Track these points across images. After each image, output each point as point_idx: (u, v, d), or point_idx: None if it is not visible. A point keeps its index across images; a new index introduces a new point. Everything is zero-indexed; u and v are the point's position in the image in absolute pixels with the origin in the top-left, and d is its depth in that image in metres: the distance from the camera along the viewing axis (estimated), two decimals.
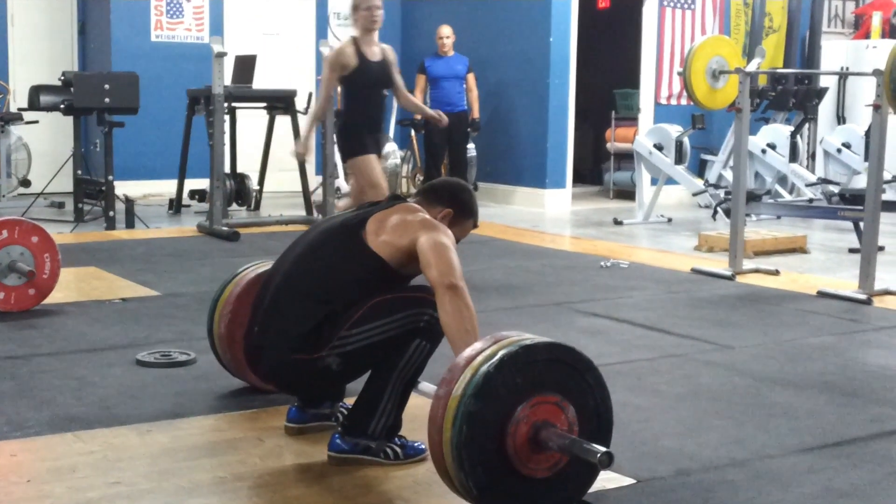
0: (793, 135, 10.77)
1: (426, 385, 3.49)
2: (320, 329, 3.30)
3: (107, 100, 8.94)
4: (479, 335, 3.07)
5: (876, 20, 13.19)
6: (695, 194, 10.59)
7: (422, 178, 11.12)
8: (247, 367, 4.02)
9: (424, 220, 3.37)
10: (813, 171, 11.37)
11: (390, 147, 10.95)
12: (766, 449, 3.65)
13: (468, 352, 2.91)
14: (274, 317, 3.40)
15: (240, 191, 10.26)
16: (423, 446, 3.29)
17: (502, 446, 2.82)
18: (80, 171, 9.64)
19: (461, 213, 3.56)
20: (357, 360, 3.32)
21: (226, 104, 9.21)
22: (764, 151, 10.70)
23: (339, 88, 6.91)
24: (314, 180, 11.06)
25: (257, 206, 10.46)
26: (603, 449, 2.79)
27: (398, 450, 3.39)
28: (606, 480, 3.22)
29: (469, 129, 10.87)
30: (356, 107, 6.68)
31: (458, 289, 3.19)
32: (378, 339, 3.29)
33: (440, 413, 2.83)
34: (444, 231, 3.35)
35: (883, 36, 13.08)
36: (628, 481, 3.30)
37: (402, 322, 3.29)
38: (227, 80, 9.62)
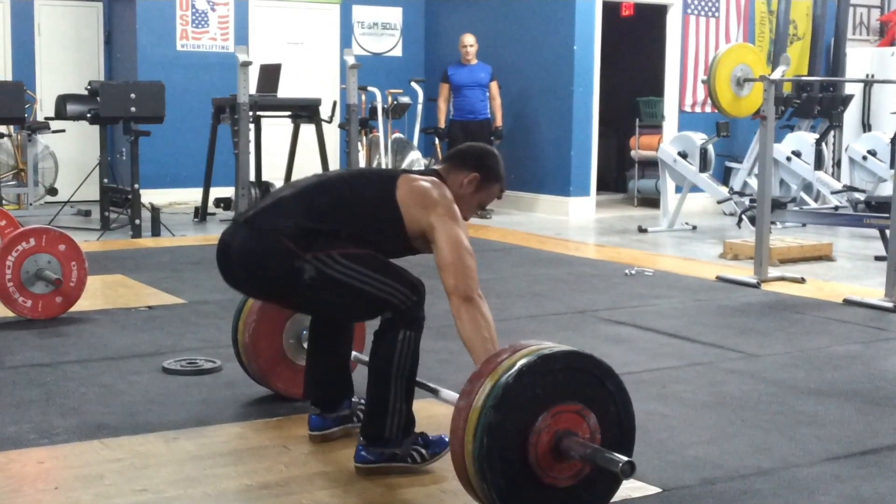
0: (818, 142, 10.72)
1: (447, 393, 3.50)
2: (318, 234, 3.27)
3: (133, 109, 9.00)
4: (503, 343, 3.07)
5: None
6: (719, 202, 10.55)
7: None
8: (268, 374, 4.06)
9: (446, 202, 3.34)
10: (838, 179, 11.31)
11: (414, 155, 10.97)
12: (792, 458, 3.63)
13: (487, 362, 2.92)
14: (281, 206, 3.38)
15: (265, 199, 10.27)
16: (446, 437, 3.22)
17: (524, 456, 2.82)
18: (106, 180, 9.69)
19: (488, 177, 3.53)
20: (327, 288, 3.26)
21: (251, 113, 9.26)
22: (789, 159, 10.66)
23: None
24: None
25: None
26: (625, 458, 2.77)
27: (423, 450, 3.39)
28: (631, 489, 3.22)
29: (492, 137, 10.88)
30: None
31: (475, 301, 3.20)
32: (358, 285, 3.25)
33: (461, 425, 2.83)
34: (461, 224, 3.33)
35: None
36: (653, 490, 3.29)
37: (387, 290, 3.27)
38: (252, 89, 9.67)
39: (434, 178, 3.43)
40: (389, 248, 3.40)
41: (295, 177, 10.65)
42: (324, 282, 3.26)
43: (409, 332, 3.30)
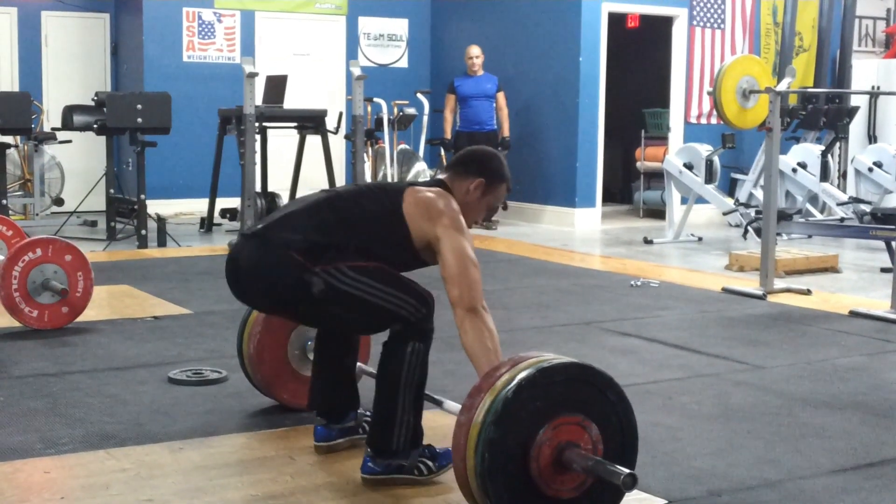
0: (824, 154, 10.71)
1: (450, 404, 3.50)
2: (326, 248, 3.28)
3: (139, 119, 9.02)
4: (507, 354, 3.07)
5: None
6: (725, 213, 10.55)
7: None
8: (273, 384, 4.06)
9: (452, 213, 3.35)
10: (844, 191, 11.30)
11: (420, 166, 10.98)
12: (799, 469, 3.62)
13: (487, 377, 2.92)
14: (289, 220, 3.39)
15: (270, 209, 10.28)
16: None
17: (526, 470, 2.82)
18: (112, 190, 9.72)
19: (493, 180, 3.53)
20: (336, 301, 3.27)
21: (257, 124, 9.27)
22: (795, 170, 10.65)
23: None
24: None
25: None
26: (626, 471, 2.77)
27: (430, 463, 3.39)
28: (637, 501, 3.21)
29: (499, 148, 10.88)
30: None
31: (479, 312, 3.20)
32: (367, 298, 3.26)
33: (462, 441, 2.83)
34: (466, 235, 3.34)
35: None
36: (659, 502, 3.29)
37: (396, 302, 3.28)
38: (258, 100, 9.69)
39: (439, 190, 3.44)
40: (398, 262, 3.41)
41: (301, 188, 10.67)
42: (333, 294, 3.26)
43: (418, 344, 3.30)
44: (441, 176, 3.56)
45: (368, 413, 3.54)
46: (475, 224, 3.61)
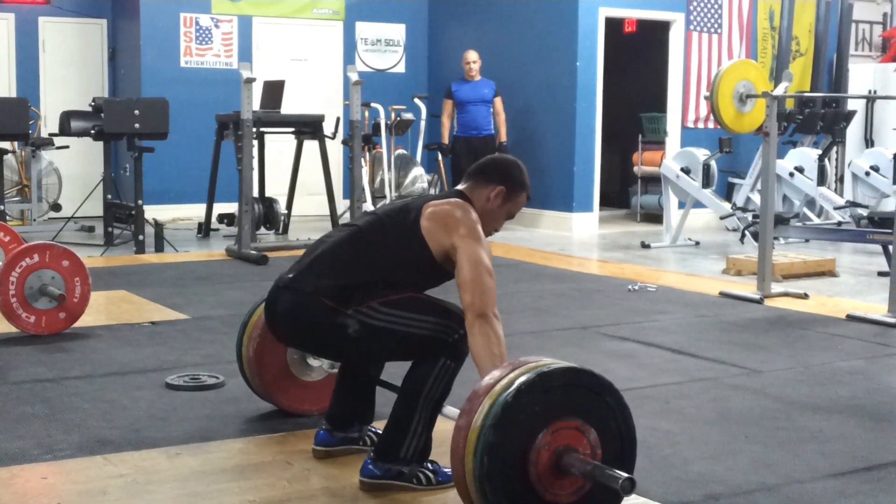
0: (821, 158, 10.73)
1: (450, 409, 3.50)
2: (355, 289, 3.32)
3: (136, 125, 9.02)
4: (506, 359, 3.08)
5: None
6: (722, 218, 10.56)
7: None
8: (272, 389, 4.06)
9: (469, 223, 3.37)
10: (841, 195, 11.31)
11: (417, 171, 10.99)
12: (796, 474, 3.63)
13: (487, 380, 2.92)
14: (316, 265, 3.43)
15: (268, 215, 10.30)
16: None
17: (525, 474, 2.82)
18: (110, 196, 9.71)
19: (513, 188, 3.55)
20: (374, 338, 3.32)
21: (254, 129, 9.27)
22: (792, 175, 10.67)
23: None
24: (342, 204, 11.13)
25: (285, 230, 10.50)
26: (625, 475, 2.77)
27: (430, 475, 3.39)
28: None
29: (496, 153, 10.88)
30: None
31: (489, 318, 3.22)
32: (402, 329, 3.31)
33: (461, 445, 2.84)
34: (483, 244, 3.36)
35: None
36: None
37: (431, 327, 3.31)
38: (256, 106, 9.69)
39: (457, 200, 3.46)
40: (426, 282, 3.46)
41: (298, 193, 10.70)
42: (369, 332, 3.32)
43: (449, 361, 3.33)
44: (460, 186, 3.57)
45: (376, 431, 3.59)
46: (493, 232, 3.62)
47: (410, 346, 3.35)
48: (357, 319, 3.30)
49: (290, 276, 3.48)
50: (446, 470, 3.40)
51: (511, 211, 3.58)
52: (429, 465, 3.41)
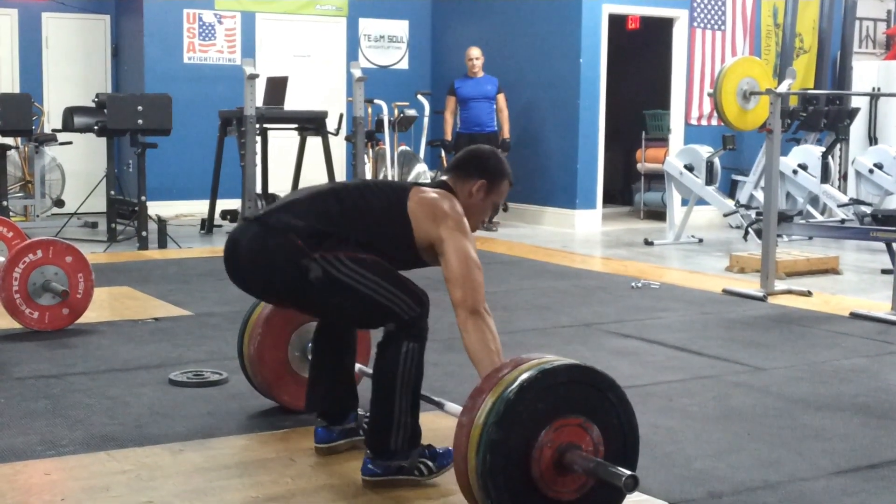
0: (824, 155, 10.71)
1: (451, 405, 3.50)
2: (326, 236, 3.29)
3: (140, 121, 9.02)
4: (508, 356, 3.07)
5: None
6: (726, 215, 10.54)
7: None
8: (274, 386, 4.06)
9: (456, 215, 3.36)
10: (845, 192, 11.30)
11: (420, 168, 10.98)
12: (799, 471, 3.62)
13: (489, 378, 2.92)
14: (292, 207, 3.40)
15: None
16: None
17: (527, 471, 2.82)
18: (113, 192, 9.72)
19: (494, 178, 3.54)
20: (331, 289, 3.28)
21: (257, 125, 9.28)
22: (795, 172, 10.65)
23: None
24: None
25: None
26: (628, 472, 2.77)
27: (430, 463, 3.39)
28: (637, 502, 3.21)
29: (499, 150, 10.86)
30: None
31: (482, 314, 3.22)
32: (362, 289, 3.26)
33: (464, 442, 2.84)
34: (469, 237, 3.35)
35: None
36: (660, 503, 3.28)
37: (390, 297, 3.28)
38: (259, 102, 9.70)
39: (444, 191, 3.45)
40: (398, 259, 3.41)
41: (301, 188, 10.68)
42: (329, 283, 3.26)
43: (412, 343, 3.30)
44: (444, 178, 3.56)
45: (367, 414, 3.55)
46: (481, 225, 3.61)
47: (364, 309, 3.31)
48: (321, 265, 3.24)
49: (263, 211, 3.46)
50: (441, 450, 3.41)
51: (496, 201, 3.56)
52: (426, 451, 3.40)
